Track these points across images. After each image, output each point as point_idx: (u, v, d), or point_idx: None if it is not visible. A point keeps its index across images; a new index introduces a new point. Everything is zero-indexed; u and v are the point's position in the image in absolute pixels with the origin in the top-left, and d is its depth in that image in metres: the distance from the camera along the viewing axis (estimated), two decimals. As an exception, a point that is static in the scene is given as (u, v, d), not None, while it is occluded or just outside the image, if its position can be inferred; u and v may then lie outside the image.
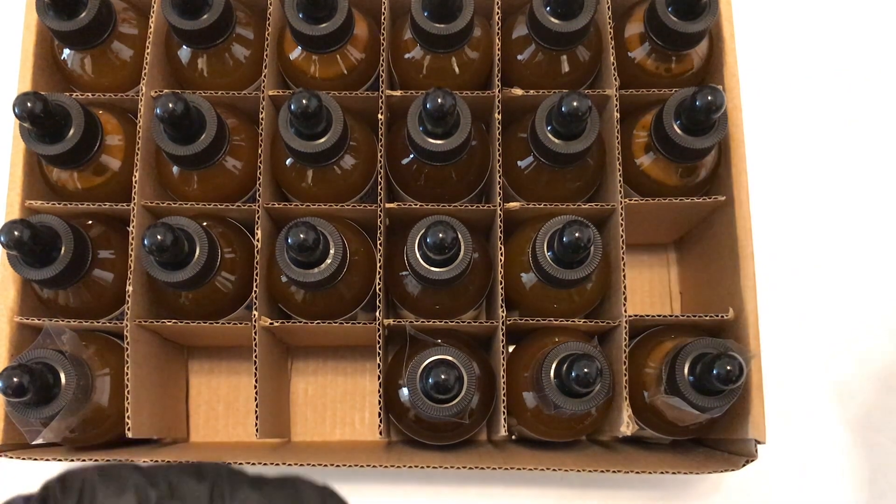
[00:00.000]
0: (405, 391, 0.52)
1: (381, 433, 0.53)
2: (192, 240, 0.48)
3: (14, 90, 0.56)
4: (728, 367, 0.44)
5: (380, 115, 0.55)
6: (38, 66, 0.57)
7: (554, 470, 0.53)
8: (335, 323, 0.53)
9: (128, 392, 0.51)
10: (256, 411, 0.52)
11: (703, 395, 0.47)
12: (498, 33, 0.56)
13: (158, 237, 0.45)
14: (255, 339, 0.52)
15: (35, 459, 0.52)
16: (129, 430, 0.51)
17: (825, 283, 0.67)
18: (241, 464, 0.52)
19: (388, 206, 0.54)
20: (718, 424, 0.54)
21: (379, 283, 0.53)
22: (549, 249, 0.48)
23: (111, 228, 0.54)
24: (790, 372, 0.65)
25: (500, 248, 0.53)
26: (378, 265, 0.53)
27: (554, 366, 0.47)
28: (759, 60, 0.71)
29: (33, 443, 0.48)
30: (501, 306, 0.53)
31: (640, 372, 0.52)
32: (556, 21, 0.51)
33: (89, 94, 0.56)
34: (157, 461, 0.52)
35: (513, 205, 0.54)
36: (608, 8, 0.57)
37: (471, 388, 0.46)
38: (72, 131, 0.50)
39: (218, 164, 0.53)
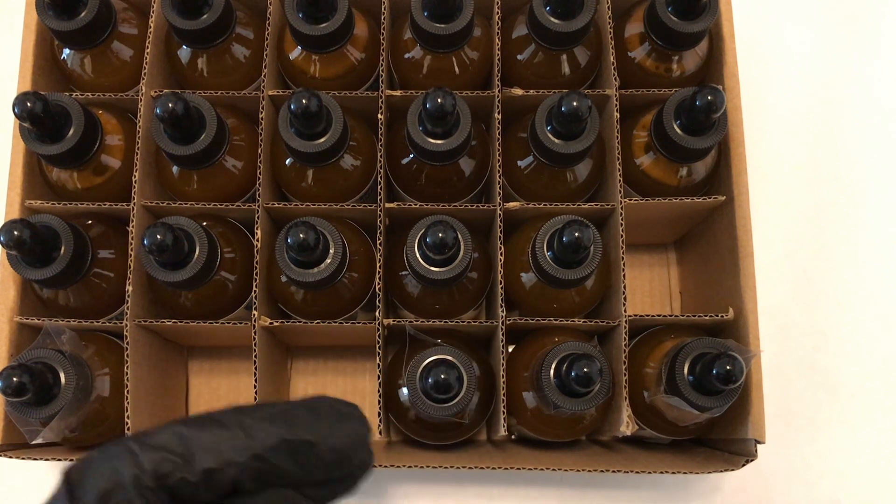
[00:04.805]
0: (405, 391, 0.52)
1: (380, 433, 0.53)
2: (192, 240, 0.48)
3: (14, 90, 0.56)
4: (728, 367, 0.44)
5: (380, 115, 0.55)
6: (38, 66, 0.57)
7: (554, 470, 0.53)
8: (335, 323, 0.53)
9: (128, 392, 0.51)
10: (256, 411, 0.52)
11: (702, 394, 0.47)
12: (498, 33, 0.56)
13: (158, 237, 0.45)
14: (254, 339, 0.52)
15: (35, 459, 0.52)
16: (128, 430, 0.51)
17: (825, 283, 0.67)
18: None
19: (388, 206, 0.54)
20: (718, 424, 0.54)
21: (379, 283, 0.53)
22: (549, 249, 0.48)
23: (111, 228, 0.54)
24: (790, 372, 0.65)
25: (500, 248, 0.53)
26: (378, 265, 0.53)
27: (554, 365, 0.47)
28: (759, 60, 0.71)
29: (33, 443, 0.48)
30: (501, 306, 0.53)
31: (640, 372, 0.52)
32: (556, 21, 0.51)
33: (89, 94, 0.56)
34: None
35: (513, 205, 0.54)
36: (608, 8, 0.57)
37: (471, 387, 0.46)
38: (72, 131, 0.50)
39: (218, 164, 0.53)
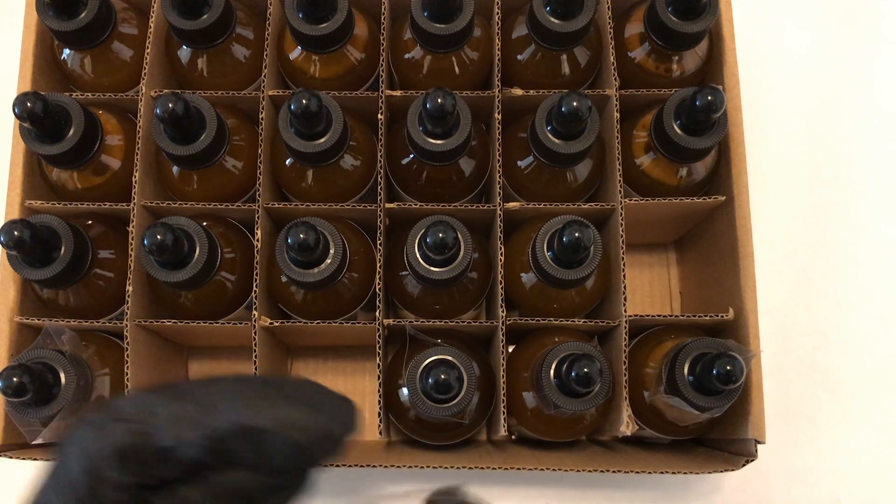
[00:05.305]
0: (405, 391, 0.52)
1: (381, 433, 0.53)
2: (192, 240, 0.48)
3: (14, 90, 0.56)
4: (728, 367, 0.44)
5: (380, 115, 0.55)
6: (38, 66, 0.57)
7: (554, 470, 0.53)
8: (335, 323, 0.53)
9: (127, 392, 0.51)
10: (256, 411, 0.52)
11: (703, 394, 0.47)
12: (498, 33, 0.56)
13: (158, 237, 0.45)
14: (255, 339, 0.52)
15: (35, 459, 0.52)
16: (129, 430, 0.51)
17: (825, 283, 0.67)
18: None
19: (388, 206, 0.54)
20: (718, 424, 0.54)
21: (379, 283, 0.53)
22: (549, 249, 0.48)
23: (111, 228, 0.54)
24: (790, 372, 0.65)
25: (500, 248, 0.53)
26: (378, 265, 0.53)
27: (554, 366, 0.47)
28: (759, 60, 0.71)
29: (33, 443, 0.48)
30: (501, 306, 0.52)
31: (640, 372, 0.52)
32: (556, 21, 0.51)
33: (89, 94, 0.56)
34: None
35: (513, 205, 0.54)
36: (608, 8, 0.57)
37: (471, 388, 0.46)
38: (72, 131, 0.50)
39: (218, 164, 0.53)
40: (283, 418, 0.27)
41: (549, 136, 0.50)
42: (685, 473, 0.54)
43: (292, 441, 0.27)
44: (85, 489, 0.26)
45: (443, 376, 0.44)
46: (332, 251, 0.47)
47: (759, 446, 0.51)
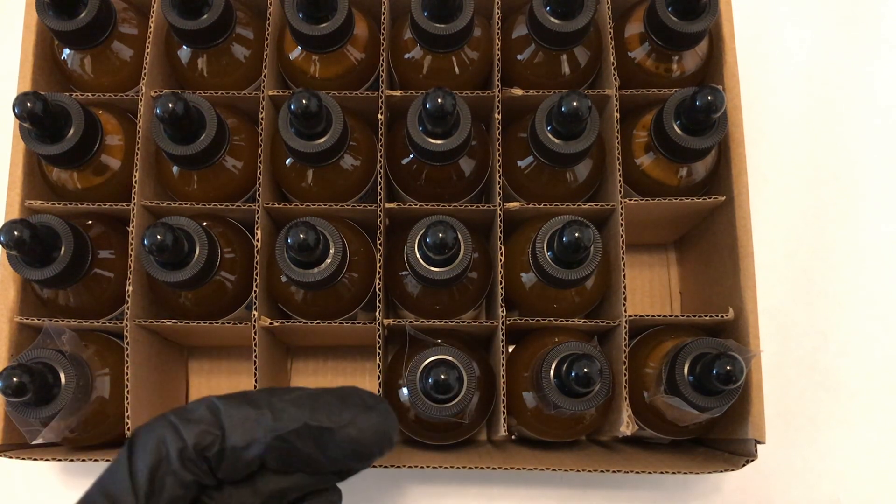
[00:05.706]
0: (405, 391, 0.52)
1: (381, 433, 0.53)
2: (192, 240, 0.48)
3: (14, 90, 0.56)
4: (728, 367, 0.44)
5: (380, 115, 0.55)
6: (38, 66, 0.57)
7: (554, 470, 0.53)
8: (335, 323, 0.53)
9: (127, 392, 0.51)
10: (256, 411, 0.52)
11: (702, 395, 0.47)
12: (498, 33, 0.56)
13: (158, 237, 0.45)
14: (254, 339, 0.52)
15: (35, 459, 0.52)
16: (128, 430, 0.51)
17: (825, 283, 0.67)
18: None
19: (388, 206, 0.54)
20: (718, 424, 0.54)
21: (379, 283, 0.53)
22: (549, 249, 0.48)
23: (111, 228, 0.54)
24: (790, 372, 0.65)
25: (500, 248, 0.53)
26: (378, 265, 0.53)
27: (554, 366, 0.47)
28: (759, 60, 0.71)
29: (33, 443, 0.48)
30: (501, 306, 0.53)
31: (640, 372, 0.52)
32: (556, 21, 0.51)
33: (89, 94, 0.56)
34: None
35: (513, 205, 0.54)
36: (608, 8, 0.57)
37: (471, 388, 0.46)
38: (72, 131, 0.50)
39: (218, 164, 0.53)
40: (342, 418, 0.30)
41: (549, 136, 0.50)
42: (685, 473, 0.55)
43: (352, 438, 0.30)
44: (145, 482, 0.28)
45: (443, 376, 0.44)
46: (332, 251, 0.47)
47: (759, 446, 0.51)
